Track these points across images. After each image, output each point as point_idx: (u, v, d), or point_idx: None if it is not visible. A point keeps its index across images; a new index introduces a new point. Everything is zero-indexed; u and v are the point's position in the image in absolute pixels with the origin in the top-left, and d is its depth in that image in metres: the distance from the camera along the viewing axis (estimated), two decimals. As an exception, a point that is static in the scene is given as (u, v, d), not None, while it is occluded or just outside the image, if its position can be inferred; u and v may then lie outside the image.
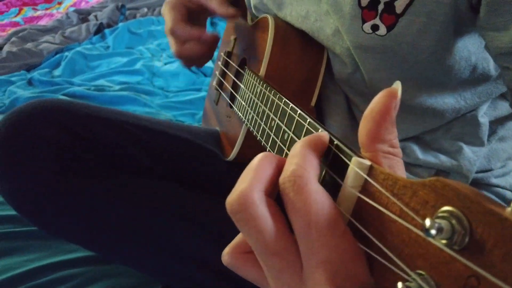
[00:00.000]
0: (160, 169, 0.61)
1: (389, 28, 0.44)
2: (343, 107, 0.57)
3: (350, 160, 0.25)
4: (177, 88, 1.45)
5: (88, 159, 0.55)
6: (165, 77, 1.53)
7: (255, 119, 0.49)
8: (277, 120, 0.41)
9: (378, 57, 0.48)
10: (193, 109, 1.28)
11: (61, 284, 0.65)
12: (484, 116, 0.54)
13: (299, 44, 0.55)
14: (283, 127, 0.39)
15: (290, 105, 0.38)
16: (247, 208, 0.24)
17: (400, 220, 0.22)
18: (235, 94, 0.63)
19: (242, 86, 0.59)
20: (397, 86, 0.25)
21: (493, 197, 0.57)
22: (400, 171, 0.26)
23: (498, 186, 0.57)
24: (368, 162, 0.24)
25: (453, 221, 0.18)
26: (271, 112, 0.43)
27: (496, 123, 0.57)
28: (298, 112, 0.35)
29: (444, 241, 0.18)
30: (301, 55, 0.55)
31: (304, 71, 0.55)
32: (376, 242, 0.23)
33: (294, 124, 0.36)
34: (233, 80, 0.68)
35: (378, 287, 0.23)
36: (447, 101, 0.52)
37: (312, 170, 0.24)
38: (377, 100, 0.25)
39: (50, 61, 1.79)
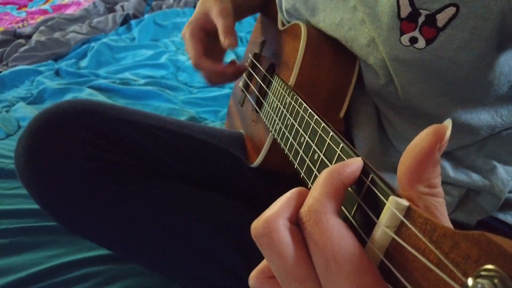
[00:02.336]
0: (185, 172, 0.61)
1: (429, 42, 0.43)
2: (373, 118, 0.56)
3: (387, 199, 0.24)
4: (201, 83, 1.45)
5: (117, 162, 0.55)
6: (189, 72, 1.53)
7: (283, 131, 0.48)
8: (306, 138, 0.40)
9: (414, 71, 0.46)
10: (216, 106, 1.28)
11: (82, 282, 0.66)
12: None
13: (331, 53, 0.54)
14: (313, 146, 0.38)
15: (322, 125, 0.37)
16: (270, 233, 0.24)
17: (437, 271, 0.21)
18: (262, 100, 0.62)
19: (269, 93, 0.58)
20: (448, 125, 0.23)
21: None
22: (439, 212, 0.25)
23: None
24: (406, 203, 0.23)
25: (496, 281, 0.18)
26: (300, 127, 0.43)
27: None
28: (331, 134, 0.34)
29: (486, 302, 0.18)
30: (332, 65, 0.54)
31: (335, 81, 0.54)
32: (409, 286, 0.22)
33: (326, 146, 0.35)
34: (260, 84, 0.67)
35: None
36: (483, 118, 0.50)
37: (330, 204, 0.24)
38: (423, 137, 0.24)
39: (77, 52, 1.82)
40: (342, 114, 0.56)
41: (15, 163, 0.55)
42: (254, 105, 0.67)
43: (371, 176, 0.27)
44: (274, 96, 0.55)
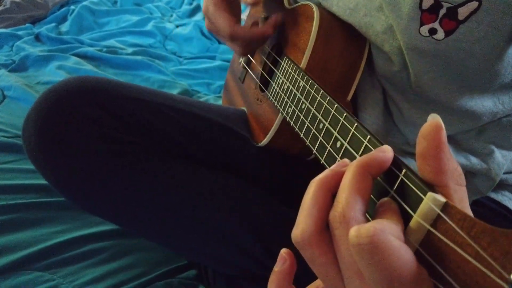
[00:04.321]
0: (195, 152, 0.61)
1: (448, 33, 0.44)
2: (380, 102, 0.57)
3: (424, 194, 0.26)
4: (190, 53, 1.43)
5: (129, 141, 0.55)
6: (177, 41, 1.50)
7: (297, 115, 0.49)
8: (326, 124, 0.41)
9: (430, 61, 0.47)
10: (208, 79, 1.27)
11: (90, 258, 0.67)
12: None
13: (342, 38, 0.54)
14: (335, 134, 0.39)
15: (345, 114, 0.38)
16: (306, 248, 0.28)
17: (476, 263, 0.23)
18: (269, 79, 0.62)
19: (279, 74, 0.59)
20: (437, 118, 0.25)
21: (512, 196, 0.59)
22: (465, 202, 0.27)
23: None
24: (443, 199, 0.25)
25: (535, 277, 0.20)
26: (318, 113, 0.44)
27: None
28: (355, 125, 0.35)
29: (527, 295, 0.20)
30: (343, 49, 0.54)
31: (345, 65, 0.55)
32: (448, 277, 0.24)
33: (350, 136, 0.36)
34: (265, 62, 0.67)
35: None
36: (486, 104, 0.52)
37: (359, 207, 0.26)
38: (427, 137, 0.25)
39: (56, 15, 1.74)
40: (349, 97, 0.57)
41: (24, 142, 0.54)
42: (260, 84, 0.67)
43: (404, 170, 0.28)
44: (285, 78, 0.56)
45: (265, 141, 0.61)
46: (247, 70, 0.76)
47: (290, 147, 0.62)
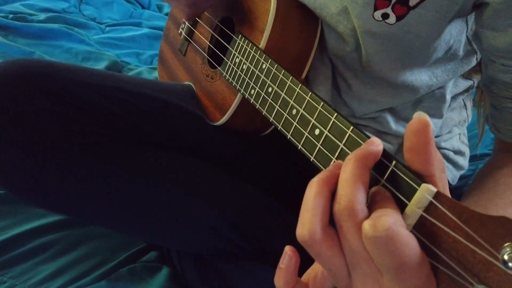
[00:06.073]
0: (154, 134, 0.59)
1: (399, 18, 0.48)
2: (329, 77, 0.60)
3: (417, 185, 0.29)
4: (112, 20, 1.31)
5: (86, 131, 0.51)
6: (95, 5, 1.36)
7: (264, 98, 0.49)
8: (301, 111, 0.42)
9: (381, 42, 0.51)
10: (136, 48, 1.19)
11: (41, 253, 0.62)
12: (449, 94, 0.62)
13: (298, 18, 0.55)
14: (313, 121, 0.41)
15: (322, 103, 0.39)
16: (314, 246, 0.29)
17: (467, 243, 0.27)
18: (222, 56, 0.61)
19: (234, 52, 0.57)
20: (424, 115, 0.27)
21: (440, 157, 0.68)
22: (446, 187, 0.31)
23: (444, 148, 0.68)
24: (434, 189, 0.28)
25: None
26: (290, 99, 0.44)
27: (452, 98, 0.65)
28: (335, 115, 0.37)
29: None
30: (299, 29, 0.55)
31: (300, 45, 0.56)
32: (441, 255, 0.28)
33: (331, 124, 0.38)
34: (212, 35, 0.65)
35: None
36: (423, 78, 0.58)
37: (362, 199, 0.28)
38: (417, 133, 0.28)
39: None
40: (304, 75, 0.59)
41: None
42: (208, 57, 0.66)
43: (394, 162, 0.31)
44: (243, 57, 0.55)
45: (223, 120, 0.60)
46: (189, 41, 0.73)
47: (247, 126, 0.63)
